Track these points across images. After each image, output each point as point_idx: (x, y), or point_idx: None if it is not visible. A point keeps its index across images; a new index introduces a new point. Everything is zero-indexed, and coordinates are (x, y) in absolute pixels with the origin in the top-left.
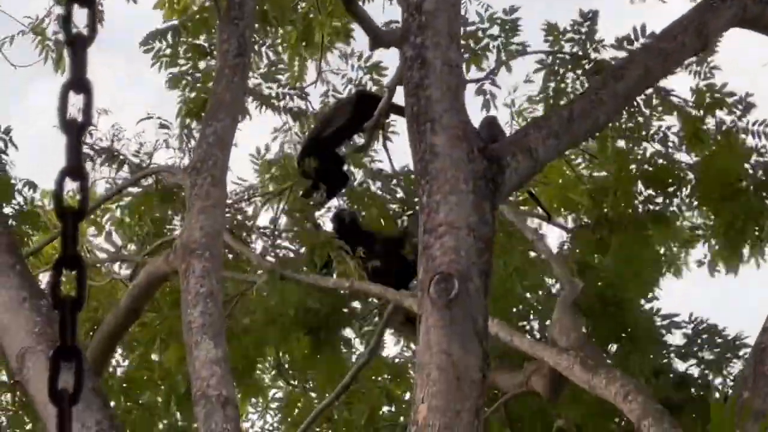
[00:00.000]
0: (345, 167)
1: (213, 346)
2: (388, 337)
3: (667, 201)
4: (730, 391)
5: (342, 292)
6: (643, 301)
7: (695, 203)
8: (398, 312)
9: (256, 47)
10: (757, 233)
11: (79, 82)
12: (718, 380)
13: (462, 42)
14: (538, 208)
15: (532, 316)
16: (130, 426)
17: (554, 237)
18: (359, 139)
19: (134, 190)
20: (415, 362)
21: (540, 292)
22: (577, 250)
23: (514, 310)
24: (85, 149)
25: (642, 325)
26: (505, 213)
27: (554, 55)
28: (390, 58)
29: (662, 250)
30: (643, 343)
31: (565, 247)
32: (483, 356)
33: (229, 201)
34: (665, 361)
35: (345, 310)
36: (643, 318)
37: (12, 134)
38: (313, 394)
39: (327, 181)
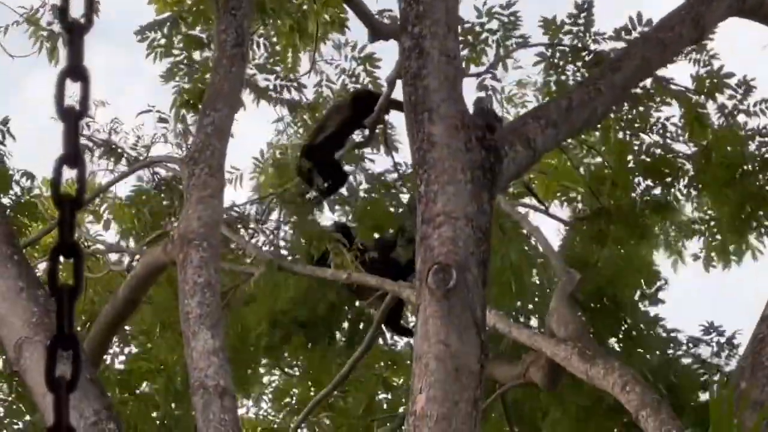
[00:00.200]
0: (343, 167)
1: (210, 337)
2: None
3: (666, 192)
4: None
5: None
6: (643, 304)
7: (696, 192)
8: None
9: (255, 37)
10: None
11: (76, 70)
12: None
13: (461, 37)
14: (535, 201)
15: (529, 306)
16: (127, 417)
17: (552, 229)
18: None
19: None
20: (412, 352)
21: (538, 283)
22: (575, 243)
23: (512, 300)
24: (84, 141)
25: (640, 322)
26: (502, 204)
27: (553, 48)
28: (388, 51)
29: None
30: (641, 341)
31: (563, 238)
32: (481, 347)
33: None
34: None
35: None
36: (641, 317)
37: (9, 125)
38: (309, 383)
39: (326, 181)
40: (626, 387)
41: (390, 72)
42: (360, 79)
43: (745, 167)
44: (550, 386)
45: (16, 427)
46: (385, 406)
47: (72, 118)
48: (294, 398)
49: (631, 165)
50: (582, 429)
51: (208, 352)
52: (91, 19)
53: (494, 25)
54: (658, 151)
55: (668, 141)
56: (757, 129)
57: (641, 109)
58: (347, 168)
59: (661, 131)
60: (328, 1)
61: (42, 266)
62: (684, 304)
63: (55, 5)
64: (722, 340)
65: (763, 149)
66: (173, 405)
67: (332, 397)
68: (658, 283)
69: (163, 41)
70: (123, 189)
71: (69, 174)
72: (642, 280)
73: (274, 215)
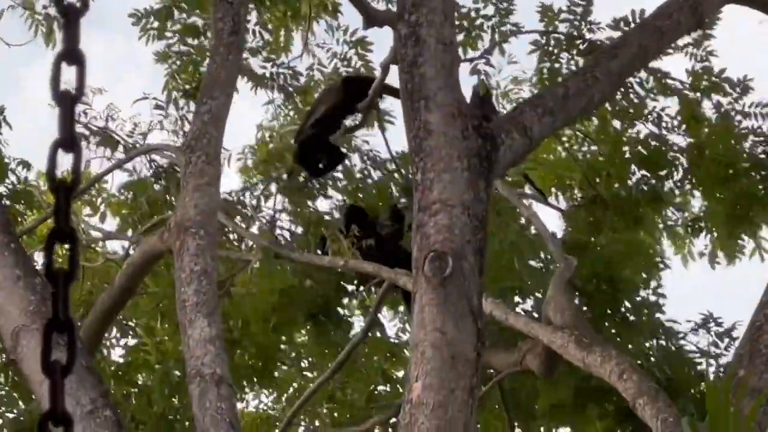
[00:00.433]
0: (338, 147)
1: (207, 325)
2: (386, 318)
3: (660, 184)
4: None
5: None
6: (643, 291)
7: (689, 187)
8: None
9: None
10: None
11: (71, 54)
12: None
13: (456, 22)
14: (533, 189)
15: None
16: (124, 408)
17: (549, 217)
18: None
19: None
20: (410, 341)
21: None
22: (571, 230)
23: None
24: (80, 128)
25: (638, 308)
26: (499, 190)
27: (549, 35)
28: (382, 36)
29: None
30: (638, 326)
31: (560, 227)
32: (477, 334)
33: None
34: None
35: (343, 291)
36: (639, 302)
37: (5, 114)
38: (309, 374)
39: (321, 163)
40: (623, 375)
41: (384, 57)
42: (352, 63)
43: (738, 167)
44: (547, 374)
45: (11, 415)
46: (384, 398)
47: (67, 102)
48: (294, 389)
49: (627, 156)
50: (578, 416)
51: (204, 341)
52: (87, 3)
53: (490, 10)
54: (654, 142)
55: (664, 132)
56: (752, 129)
57: (636, 100)
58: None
59: (656, 121)
60: None
61: (39, 255)
62: (692, 301)
63: None
64: (720, 330)
65: (757, 149)
66: (175, 396)
67: (332, 388)
68: (659, 269)
69: (156, 24)
70: (120, 178)
71: (65, 162)
72: (642, 265)
73: (270, 200)
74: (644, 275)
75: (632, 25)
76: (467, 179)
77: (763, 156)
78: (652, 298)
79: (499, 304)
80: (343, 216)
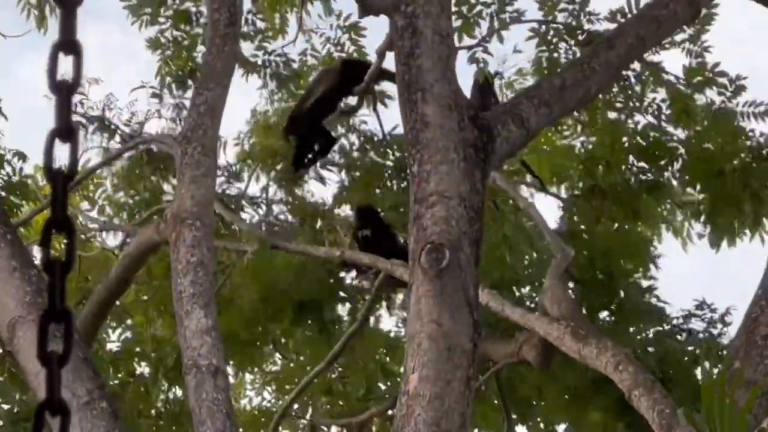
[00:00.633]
0: (330, 132)
1: (203, 316)
2: (385, 310)
3: (659, 174)
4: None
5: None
6: (637, 275)
7: (686, 178)
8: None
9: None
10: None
11: (68, 43)
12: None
13: (454, 9)
14: (531, 177)
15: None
16: (121, 398)
17: (547, 206)
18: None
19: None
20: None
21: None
22: (570, 220)
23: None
24: (77, 118)
25: (634, 297)
26: (497, 181)
27: (547, 24)
28: (379, 25)
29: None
30: (634, 316)
31: (559, 217)
32: (474, 326)
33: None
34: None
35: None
36: (635, 291)
37: (1, 105)
38: (309, 368)
39: (314, 147)
40: (619, 366)
41: (380, 44)
42: (345, 48)
43: (731, 164)
44: (543, 365)
45: (6, 407)
46: (383, 392)
47: (64, 91)
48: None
49: (626, 146)
50: (577, 407)
51: (201, 332)
52: None
53: None
54: (652, 133)
55: (663, 123)
56: (743, 129)
57: (636, 90)
58: (340, 130)
59: (656, 113)
60: None
61: (35, 246)
62: (693, 279)
63: None
64: (715, 317)
65: (747, 153)
66: (174, 385)
67: (329, 380)
68: (653, 257)
69: (149, 10)
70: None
71: (61, 153)
72: (638, 257)
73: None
74: (640, 267)
75: (629, 17)
76: (464, 170)
77: (749, 160)
78: (645, 283)
79: (495, 296)
80: (356, 214)
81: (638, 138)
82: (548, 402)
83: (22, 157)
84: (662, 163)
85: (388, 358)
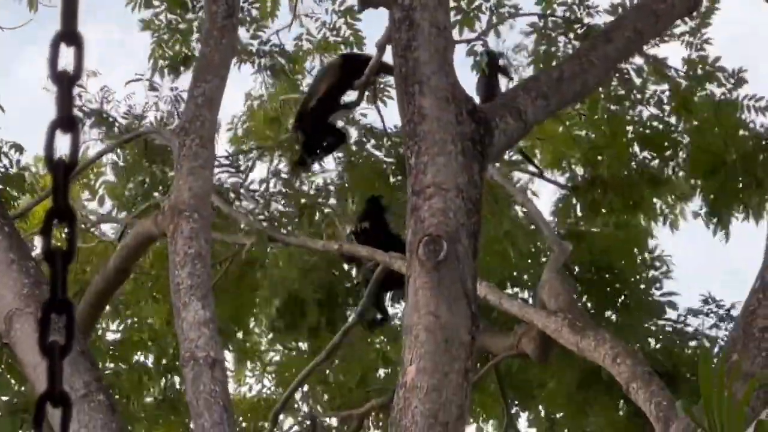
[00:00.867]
0: (339, 127)
1: (201, 308)
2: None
3: (663, 165)
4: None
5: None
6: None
7: (689, 170)
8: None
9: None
10: (742, 207)
11: (70, 35)
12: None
13: (454, 3)
14: (531, 166)
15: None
16: (119, 388)
17: (547, 194)
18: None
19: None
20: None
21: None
22: (569, 212)
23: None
24: (75, 110)
25: (635, 292)
26: (494, 175)
27: (546, 18)
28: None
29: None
30: (636, 311)
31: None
32: (471, 318)
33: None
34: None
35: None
36: (637, 285)
37: None
38: (308, 357)
39: (323, 144)
40: (617, 359)
41: (380, 37)
42: (341, 32)
43: (726, 158)
44: (542, 358)
45: (5, 398)
46: (383, 381)
47: (65, 81)
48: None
49: (629, 136)
50: (578, 398)
51: (198, 324)
52: None
53: None
54: (656, 123)
55: (665, 115)
56: (744, 121)
57: (637, 82)
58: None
59: (658, 105)
60: None
61: (31, 239)
62: (696, 286)
63: None
64: (721, 312)
65: (749, 143)
66: (173, 376)
67: (328, 370)
68: (655, 252)
69: None
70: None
71: (61, 144)
72: (636, 252)
73: (263, 179)
74: (639, 261)
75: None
76: (461, 163)
77: (750, 151)
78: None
79: (493, 288)
80: (362, 208)
81: (641, 129)
82: (551, 393)
83: (19, 149)
84: (666, 154)
85: (388, 347)
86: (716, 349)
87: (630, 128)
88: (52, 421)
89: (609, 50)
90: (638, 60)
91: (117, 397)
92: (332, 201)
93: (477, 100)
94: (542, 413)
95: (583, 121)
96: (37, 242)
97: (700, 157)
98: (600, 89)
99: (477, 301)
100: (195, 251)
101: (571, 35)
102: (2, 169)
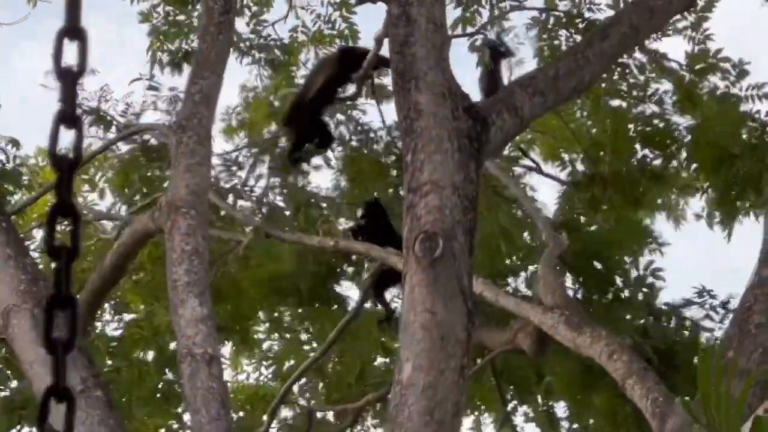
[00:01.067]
0: (330, 128)
1: (198, 305)
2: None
3: (665, 162)
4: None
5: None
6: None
7: (693, 166)
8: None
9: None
10: (751, 201)
11: (73, 30)
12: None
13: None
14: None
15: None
16: (117, 385)
17: (546, 189)
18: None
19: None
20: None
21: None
22: (567, 208)
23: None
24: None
25: (631, 285)
26: (491, 169)
27: (548, 12)
28: (375, 11)
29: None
30: (631, 303)
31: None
32: (468, 315)
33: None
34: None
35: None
36: (632, 279)
37: None
38: (306, 347)
39: (312, 141)
40: (613, 355)
41: (378, 31)
42: (336, 25)
43: (732, 150)
44: (538, 353)
45: (3, 394)
46: (382, 369)
47: (69, 77)
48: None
49: (631, 133)
50: (577, 393)
51: (195, 320)
52: None
53: None
54: (656, 121)
55: (666, 113)
56: (749, 113)
57: (639, 78)
58: (338, 117)
59: (659, 101)
60: None
61: (30, 234)
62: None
63: None
64: (715, 303)
65: (755, 134)
66: (170, 372)
67: (326, 364)
68: (653, 246)
69: None
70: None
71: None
72: (633, 245)
73: (262, 178)
74: (635, 253)
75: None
76: (457, 160)
77: (756, 141)
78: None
79: (489, 284)
80: (363, 209)
81: (642, 126)
82: (550, 387)
83: (16, 144)
84: (669, 151)
85: (385, 338)
86: (705, 338)
87: (631, 126)
88: (53, 416)
89: (605, 47)
90: (641, 57)
91: (116, 395)
92: (330, 196)
93: (480, 94)
94: (540, 408)
95: (584, 117)
96: (37, 238)
97: (706, 151)
98: (602, 85)
99: (473, 298)
100: (192, 248)
101: (572, 30)
102: None
